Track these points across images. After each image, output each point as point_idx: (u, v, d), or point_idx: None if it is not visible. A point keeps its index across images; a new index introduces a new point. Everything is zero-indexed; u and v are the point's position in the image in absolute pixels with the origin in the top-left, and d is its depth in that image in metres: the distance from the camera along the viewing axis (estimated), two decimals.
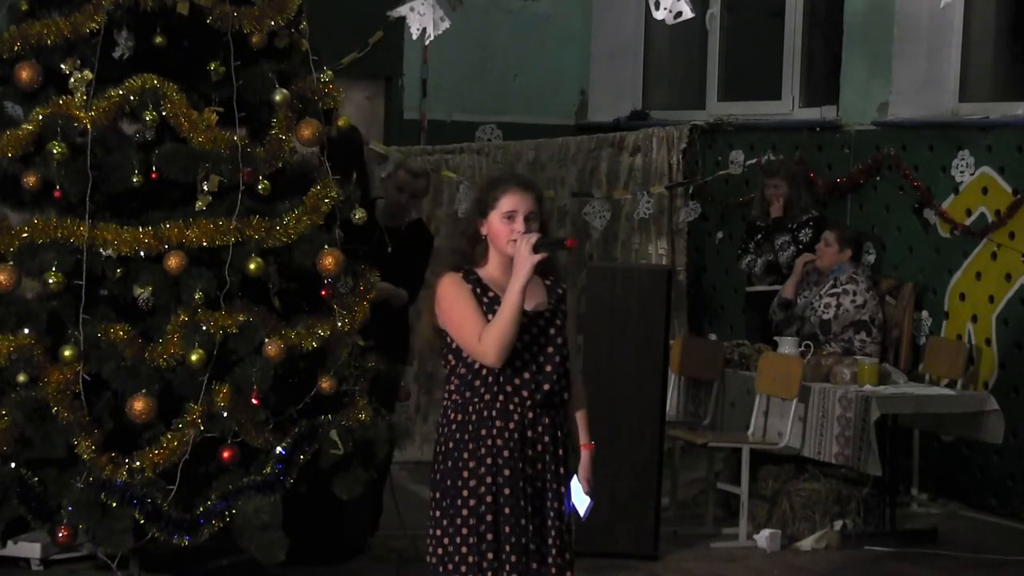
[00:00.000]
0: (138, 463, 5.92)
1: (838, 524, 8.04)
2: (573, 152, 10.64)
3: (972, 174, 8.90)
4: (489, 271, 4.82)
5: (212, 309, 5.98)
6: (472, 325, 4.70)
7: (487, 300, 4.74)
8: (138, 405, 5.88)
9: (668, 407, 8.08)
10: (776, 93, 10.58)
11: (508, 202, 4.75)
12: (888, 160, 9.41)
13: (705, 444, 8.17)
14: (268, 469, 6.05)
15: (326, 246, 6.20)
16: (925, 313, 9.16)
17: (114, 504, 5.86)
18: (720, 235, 10.76)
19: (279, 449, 6.07)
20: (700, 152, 10.83)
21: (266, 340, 6.00)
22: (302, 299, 6.39)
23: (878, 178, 9.50)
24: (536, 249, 4.67)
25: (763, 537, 7.90)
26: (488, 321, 4.68)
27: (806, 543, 7.93)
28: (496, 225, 4.77)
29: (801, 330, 8.95)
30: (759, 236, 9.61)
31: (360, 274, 6.50)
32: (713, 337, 9.57)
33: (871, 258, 9.42)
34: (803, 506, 8.09)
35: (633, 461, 7.55)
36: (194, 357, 5.88)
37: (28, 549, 6.85)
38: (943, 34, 9.36)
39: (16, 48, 6.15)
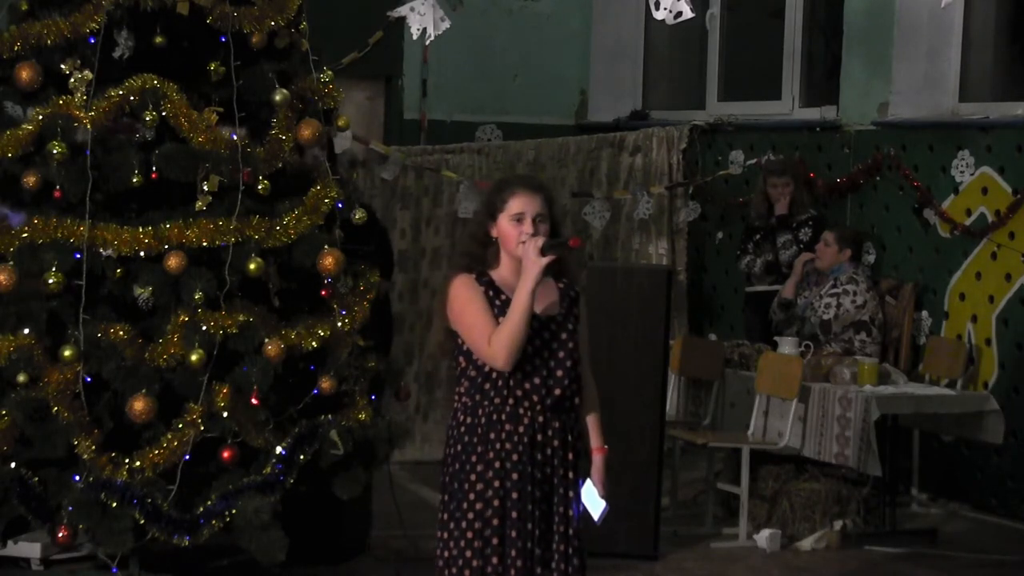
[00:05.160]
0: (138, 463, 5.92)
1: (838, 524, 8.03)
2: (573, 152, 10.63)
3: (972, 174, 8.90)
4: (501, 274, 4.78)
5: (212, 309, 5.98)
6: (482, 328, 4.66)
7: (499, 303, 4.70)
8: (138, 405, 5.88)
9: (668, 407, 8.07)
10: (776, 93, 10.57)
11: (516, 204, 4.72)
12: (888, 160, 9.41)
13: (705, 444, 8.17)
14: (268, 469, 6.06)
15: (326, 246, 6.20)
16: (925, 313, 9.16)
17: (114, 504, 5.87)
18: (720, 235, 10.75)
19: (279, 449, 6.07)
20: (700, 152, 10.83)
21: (266, 340, 6.00)
22: (302, 299, 6.39)
23: (878, 178, 9.49)
24: (543, 252, 4.64)
25: (763, 537, 7.89)
26: (499, 324, 4.65)
27: (806, 543, 7.92)
28: (505, 227, 4.73)
29: (801, 330, 8.95)
30: (758, 236, 9.62)
31: (360, 274, 6.51)
32: (713, 337, 9.57)
33: (871, 258, 9.42)
34: (803, 506, 8.08)
35: (633, 461, 7.54)
36: (194, 357, 5.88)
37: (28, 549, 6.84)
38: (943, 34, 9.36)
39: (16, 48, 6.16)
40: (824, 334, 8.80)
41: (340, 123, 6.59)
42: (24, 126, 6.09)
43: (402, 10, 7.90)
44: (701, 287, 10.94)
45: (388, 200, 10.00)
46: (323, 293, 6.30)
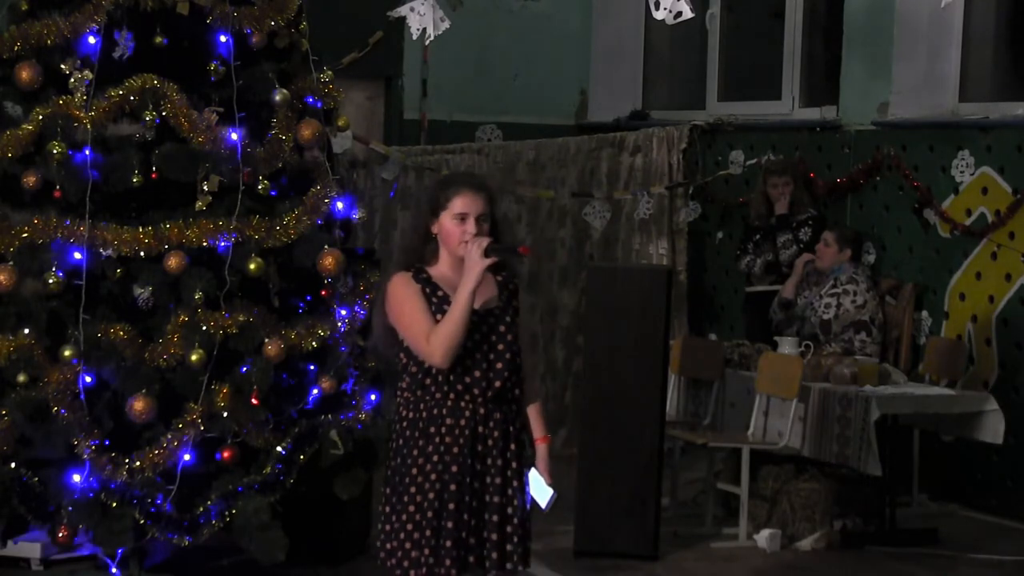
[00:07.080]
0: (138, 463, 5.92)
1: (838, 524, 8.04)
2: (573, 152, 10.63)
3: (972, 174, 8.90)
4: (440, 269, 4.82)
5: (212, 309, 5.98)
6: (420, 325, 4.71)
7: (436, 299, 4.75)
8: (138, 405, 5.88)
9: (668, 407, 8.07)
10: (776, 93, 10.57)
11: (460, 203, 4.75)
12: (888, 160, 9.41)
13: (705, 444, 8.17)
14: (268, 469, 6.06)
15: (326, 246, 6.20)
16: (925, 313, 9.16)
17: (114, 504, 5.87)
18: (720, 235, 10.76)
19: (279, 449, 6.07)
20: (700, 152, 10.83)
21: (266, 340, 6.00)
22: (302, 299, 6.39)
23: (878, 178, 9.49)
24: (487, 254, 4.68)
25: (763, 537, 7.89)
26: (437, 321, 4.69)
27: (806, 543, 7.93)
28: (448, 226, 4.77)
29: (801, 330, 8.95)
30: (758, 236, 9.62)
31: (360, 274, 6.50)
32: (713, 337, 9.57)
33: (871, 258, 9.42)
34: (803, 506, 8.08)
35: (633, 461, 7.54)
36: (194, 357, 5.88)
37: (28, 549, 6.85)
38: (943, 34, 9.36)
39: (16, 48, 6.16)
40: (824, 334, 8.80)
41: (340, 123, 6.59)
42: (24, 126, 6.09)
43: (402, 10, 7.89)
44: (701, 287, 10.94)
45: (388, 200, 9.99)
46: (323, 293, 6.30)
